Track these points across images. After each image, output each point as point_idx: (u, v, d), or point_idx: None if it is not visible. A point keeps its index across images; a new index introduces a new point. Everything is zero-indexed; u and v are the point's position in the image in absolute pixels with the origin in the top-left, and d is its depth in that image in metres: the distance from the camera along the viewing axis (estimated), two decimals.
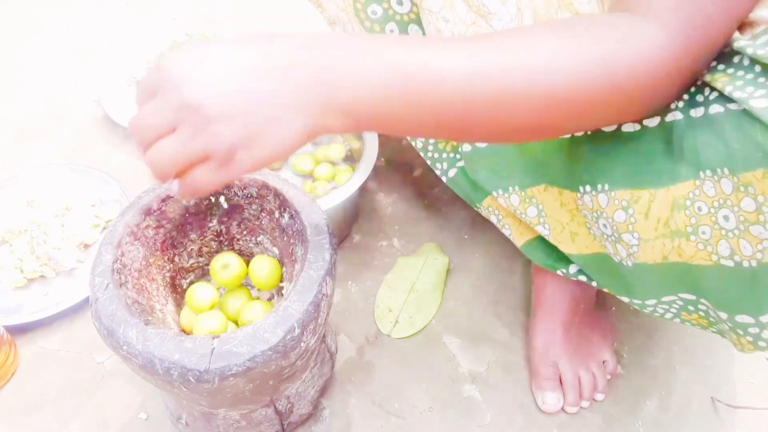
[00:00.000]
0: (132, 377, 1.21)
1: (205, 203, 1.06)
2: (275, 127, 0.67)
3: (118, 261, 0.94)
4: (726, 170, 0.74)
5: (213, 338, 0.84)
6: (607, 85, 0.73)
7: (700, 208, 0.79)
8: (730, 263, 0.80)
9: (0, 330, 1.20)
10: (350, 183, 1.26)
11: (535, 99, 0.72)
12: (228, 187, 1.05)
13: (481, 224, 1.45)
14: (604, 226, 0.92)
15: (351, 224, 1.48)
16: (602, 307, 1.30)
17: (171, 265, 1.08)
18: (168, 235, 1.05)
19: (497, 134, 0.80)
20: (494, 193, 1.10)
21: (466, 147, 1.12)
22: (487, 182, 1.11)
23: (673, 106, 0.80)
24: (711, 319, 0.93)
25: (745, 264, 0.79)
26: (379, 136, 1.36)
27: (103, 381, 1.22)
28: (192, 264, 1.12)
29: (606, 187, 0.88)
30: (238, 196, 1.06)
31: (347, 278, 1.39)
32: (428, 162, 1.26)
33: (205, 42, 0.71)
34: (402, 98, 0.70)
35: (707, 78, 0.77)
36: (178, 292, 1.10)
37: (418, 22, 1.11)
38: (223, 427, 1.06)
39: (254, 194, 1.05)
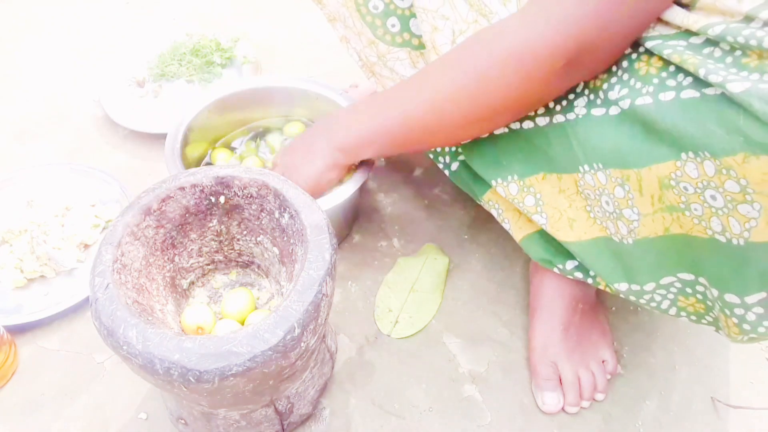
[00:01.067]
0: (132, 377, 1.21)
1: (205, 203, 1.06)
2: (307, 166, 1.22)
3: (118, 261, 0.94)
4: (707, 153, 0.76)
5: (213, 338, 0.84)
6: (473, 75, 0.96)
7: (686, 188, 0.81)
8: (722, 239, 0.82)
9: (0, 330, 1.20)
10: (350, 183, 1.26)
11: (441, 113, 1.03)
12: (228, 186, 1.05)
13: (481, 224, 1.45)
14: (606, 203, 0.95)
15: (351, 224, 1.48)
16: (601, 306, 1.30)
17: (171, 265, 1.08)
18: (168, 235, 1.05)
19: (439, 139, 1.12)
20: (493, 182, 1.13)
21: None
22: (486, 171, 1.14)
23: (643, 90, 0.84)
24: (708, 302, 0.94)
25: (734, 242, 0.80)
26: None
27: (103, 381, 1.22)
28: (192, 264, 1.12)
29: (601, 165, 0.92)
30: (238, 196, 1.06)
31: (347, 278, 1.39)
32: (431, 156, 1.27)
33: (289, 146, 1.29)
34: (375, 136, 1.14)
35: (674, 59, 0.80)
36: (178, 292, 1.10)
37: None
38: (223, 427, 1.06)
39: (254, 194, 1.05)
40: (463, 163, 1.23)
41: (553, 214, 1.07)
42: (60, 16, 2.16)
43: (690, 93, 0.77)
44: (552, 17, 0.87)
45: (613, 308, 1.35)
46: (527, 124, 1.04)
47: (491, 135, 1.10)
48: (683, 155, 0.79)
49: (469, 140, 1.13)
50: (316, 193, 1.22)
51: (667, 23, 0.86)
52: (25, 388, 1.22)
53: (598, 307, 1.27)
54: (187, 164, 1.36)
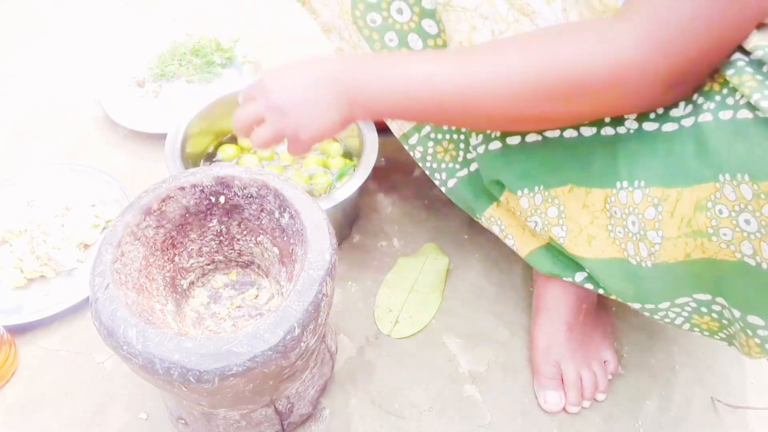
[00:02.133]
0: (132, 377, 1.21)
1: (205, 203, 1.06)
2: (319, 117, 1.02)
3: (118, 261, 0.94)
4: (746, 176, 0.75)
5: (213, 338, 0.84)
6: (563, 82, 0.86)
7: (720, 211, 0.81)
8: (752, 262, 0.81)
9: (0, 330, 1.20)
10: (350, 183, 1.26)
11: (500, 97, 0.91)
12: (228, 186, 1.05)
13: (481, 225, 1.45)
14: (633, 223, 0.94)
15: (351, 224, 1.48)
16: (602, 306, 1.29)
17: (171, 265, 1.08)
18: (168, 235, 1.05)
19: (477, 122, 1.05)
20: (519, 192, 1.10)
21: (495, 144, 1.12)
22: (514, 183, 1.11)
23: (705, 106, 0.82)
24: (723, 320, 0.94)
25: (764, 266, 0.79)
26: (379, 136, 1.36)
27: (103, 381, 1.22)
28: (192, 264, 1.12)
29: (643, 183, 0.91)
30: (238, 196, 1.06)
31: (347, 278, 1.39)
32: (427, 172, 1.26)
33: (287, 64, 1.05)
34: (402, 96, 0.97)
35: (734, 80, 0.78)
36: (178, 292, 1.10)
37: (418, 31, 1.11)
38: (223, 427, 1.06)
39: (254, 194, 1.05)
40: (461, 180, 1.22)
41: (574, 228, 1.06)
42: (60, 16, 2.16)
43: (745, 113, 0.76)
44: (660, 37, 0.80)
45: (614, 308, 1.35)
46: (569, 133, 1.02)
47: (522, 144, 1.08)
48: (720, 177, 0.79)
49: (518, 131, 1.07)
50: (320, 139, 1.07)
51: None
52: (25, 388, 1.22)
53: (600, 307, 1.27)
54: (188, 164, 1.36)
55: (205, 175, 1.04)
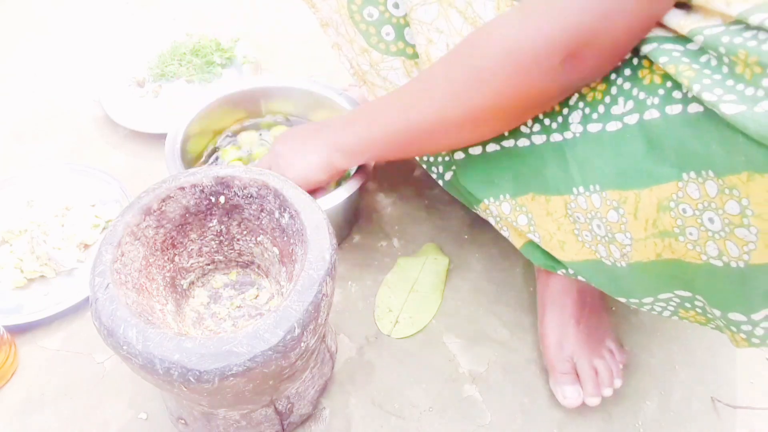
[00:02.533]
0: (132, 377, 1.21)
1: (205, 203, 1.06)
2: (301, 160, 1.20)
3: (118, 261, 0.94)
4: (711, 172, 0.75)
5: (213, 338, 0.84)
6: (466, 73, 0.93)
7: (684, 210, 0.80)
8: (719, 263, 0.81)
9: (0, 330, 1.20)
10: (350, 183, 1.26)
11: (442, 114, 0.99)
12: (228, 186, 1.05)
13: (481, 224, 1.45)
14: (598, 227, 0.94)
15: (351, 224, 1.48)
16: (602, 297, 1.28)
17: (171, 265, 1.08)
18: (168, 235, 1.05)
19: (434, 143, 1.08)
20: (486, 201, 1.12)
21: (459, 154, 1.15)
22: (478, 190, 1.13)
23: (649, 101, 0.81)
24: (708, 315, 0.93)
25: (733, 264, 0.79)
26: None
27: (103, 381, 1.22)
28: (192, 264, 1.12)
29: (598, 187, 0.90)
30: (238, 196, 1.06)
31: (347, 278, 1.39)
32: (424, 166, 1.26)
33: (286, 133, 1.29)
34: (374, 137, 1.11)
35: (670, 69, 0.78)
36: (178, 292, 1.10)
37: None
38: (223, 427, 1.06)
39: (254, 194, 1.05)
40: (457, 172, 1.22)
41: (544, 234, 1.07)
42: (60, 16, 2.16)
43: (695, 107, 0.75)
44: (549, 7, 0.83)
45: (614, 308, 1.35)
46: (522, 142, 1.03)
47: (484, 154, 1.10)
48: (684, 175, 0.78)
49: (471, 144, 1.09)
50: (306, 181, 1.21)
51: (663, 25, 0.83)
52: (25, 388, 1.22)
53: (600, 298, 1.27)
54: (188, 163, 1.36)
55: (205, 175, 1.04)
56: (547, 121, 0.99)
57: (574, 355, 1.20)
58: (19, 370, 1.24)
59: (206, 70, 1.82)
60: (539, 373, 1.25)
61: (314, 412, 1.18)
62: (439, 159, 1.23)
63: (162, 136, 1.41)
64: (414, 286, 1.37)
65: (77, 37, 2.07)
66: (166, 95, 1.78)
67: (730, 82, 0.72)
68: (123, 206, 1.44)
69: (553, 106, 0.97)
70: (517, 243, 1.17)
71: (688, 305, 0.96)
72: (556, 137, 0.97)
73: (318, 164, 1.19)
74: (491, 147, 1.08)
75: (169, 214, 1.04)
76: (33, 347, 1.27)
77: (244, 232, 1.11)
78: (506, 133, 1.04)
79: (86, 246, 1.41)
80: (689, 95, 0.76)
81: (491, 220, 1.19)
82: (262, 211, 1.06)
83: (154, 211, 1.01)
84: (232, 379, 0.83)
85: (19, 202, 1.45)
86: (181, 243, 1.08)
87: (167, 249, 1.06)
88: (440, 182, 1.25)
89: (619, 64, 0.88)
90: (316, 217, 0.98)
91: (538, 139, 1.00)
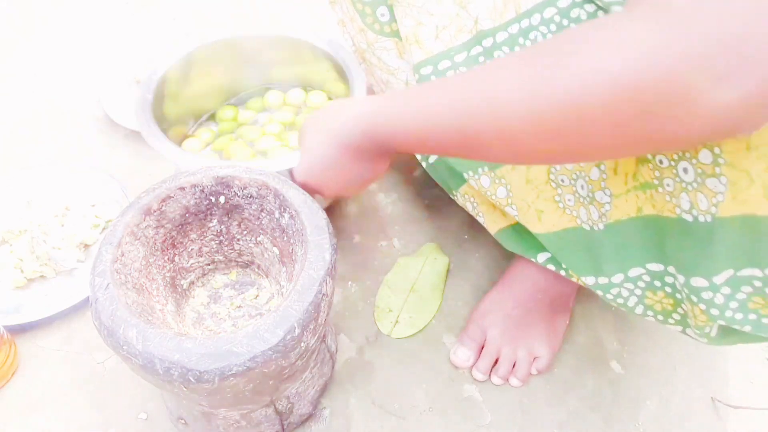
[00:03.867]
0: (132, 377, 1.21)
1: (205, 203, 1.06)
2: (335, 178, 1.01)
3: (118, 261, 0.94)
4: None
5: (213, 338, 0.84)
6: (572, 108, 0.64)
7: (661, 161, 0.80)
8: (689, 218, 0.81)
9: (0, 330, 1.20)
10: None
11: (504, 128, 0.72)
12: (228, 186, 1.05)
13: (481, 224, 1.45)
14: (582, 187, 0.94)
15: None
16: (564, 314, 1.29)
17: (171, 265, 1.08)
18: (168, 235, 1.05)
19: (491, 155, 0.80)
20: (465, 175, 1.12)
21: None
22: (458, 163, 1.13)
23: None
24: (677, 296, 0.93)
25: (701, 219, 0.79)
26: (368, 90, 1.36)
27: (104, 381, 1.22)
28: (192, 264, 1.12)
29: None
30: (239, 196, 1.06)
31: (347, 278, 1.39)
32: None
33: (314, 121, 1.02)
34: (408, 131, 0.85)
35: None
36: (178, 292, 1.10)
37: None
38: (223, 427, 1.06)
39: (254, 194, 1.05)
40: (440, 156, 1.22)
41: (522, 206, 1.07)
42: (60, 15, 2.16)
43: None
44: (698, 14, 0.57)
45: (614, 308, 1.35)
46: None
47: None
48: None
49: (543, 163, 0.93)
50: (350, 189, 1.05)
51: None
52: (25, 388, 1.22)
53: (560, 310, 1.29)
54: (167, 124, 1.36)
55: (205, 175, 1.04)
56: None
57: (489, 329, 1.25)
58: (19, 369, 1.24)
59: None
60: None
61: (314, 412, 1.18)
62: None
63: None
64: (414, 286, 1.37)
65: (77, 36, 2.07)
66: None
67: None
68: (123, 206, 1.44)
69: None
70: (492, 229, 1.18)
71: (657, 283, 0.95)
72: None
73: (354, 162, 0.98)
74: None
75: (169, 214, 1.04)
76: (33, 347, 1.27)
77: (244, 232, 1.11)
78: None
79: (86, 246, 1.41)
80: None
81: (468, 207, 1.20)
82: (262, 211, 1.06)
83: (154, 211, 1.02)
84: (232, 379, 0.83)
85: (19, 202, 1.45)
86: (181, 243, 1.08)
87: (167, 249, 1.06)
88: (423, 164, 1.25)
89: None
90: (317, 218, 0.98)
91: None
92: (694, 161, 0.76)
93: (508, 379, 1.24)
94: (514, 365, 1.24)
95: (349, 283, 1.39)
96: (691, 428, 1.19)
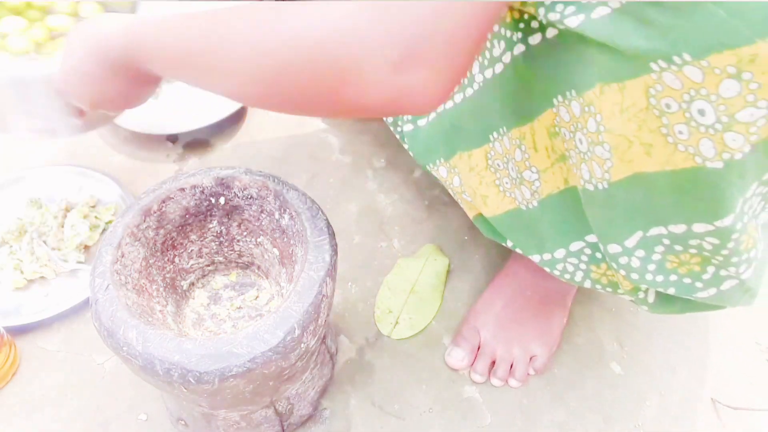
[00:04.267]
0: (132, 378, 1.21)
1: (205, 204, 1.06)
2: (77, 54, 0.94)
3: (118, 262, 0.94)
4: (573, 92, 0.77)
5: (213, 339, 0.84)
6: (282, 58, 0.71)
7: (565, 134, 0.83)
8: (591, 187, 0.84)
9: (0, 331, 1.20)
10: None
11: (230, 69, 0.78)
12: (228, 187, 1.05)
13: None
14: (512, 169, 0.98)
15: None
16: (561, 311, 1.29)
17: (171, 266, 1.08)
18: (168, 236, 1.05)
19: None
20: (428, 167, 1.15)
21: (408, 126, 1.17)
22: (421, 156, 1.16)
23: (515, 38, 0.83)
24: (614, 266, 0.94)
25: (600, 187, 0.82)
26: (379, 134, 1.36)
27: (104, 382, 1.22)
28: (192, 265, 1.12)
29: (504, 129, 0.95)
30: (239, 197, 1.06)
31: (347, 279, 1.39)
32: (391, 128, 1.27)
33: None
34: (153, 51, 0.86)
35: (516, 4, 0.79)
36: (178, 293, 1.10)
37: None
38: (223, 428, 1.06)
39: (254, 195, 1.05)
40: (408, 143, 1.24)
41: (471, 192, 1.09)
42: None
43: (552, 31, 0.77)
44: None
45: (613, 309, 1.35)
46: (448, 104, 1.05)
47: (429, 122, 1.13)
48: (555, 100, 0.81)
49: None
50: (108, 104, 1.00)
51: None
52: (25, 388, 1.22)
53: (555, 308, 1.29)
54: None
55: (205, 175, 1.04)
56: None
57: (482, 330, 1.26)
58: (19, 370, 1.24)
59: None
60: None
61: (314, 413, 1.18)
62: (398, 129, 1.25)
63: (162, 138, 1.41)
64: (414, 287, 1.37)
65: None
66: (166, 97, 1.78)
67: None
68: (123, 207, 1.44)
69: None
70: (470, 214, 1.18)
71: (599, 256, 0.96)
72: (468, 92, 0.99)
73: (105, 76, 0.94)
74: (432, 114, 1.11)
75: (169, 215, 1.04)
76: (33, 348, 1.27)
77: (244, 233, 1.11)
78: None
79: (86, 247, 1.41)
80: (544, 21, 0.77)
81: (451, 193, 1.21)
82: (262, 212, 1.06)
83: (154, 212, 1.02)
84: (232, 380, 0.83)
85: (19, 202, 1.45)
86: (181, 244, 1.08)
87: (167, 250, 1.06)
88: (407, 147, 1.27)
89: None
90: (317, 219, 0.98)
91: (458, 98, 1.02)
92: (585, 131, 0.79)
93: (507, 380, 1.24)
94: (512, 366, 1.24)
95: (349, 284, 1.38)
96: (691, 428, 1.19)
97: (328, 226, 0.98)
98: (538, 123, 0.87)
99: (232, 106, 1.56)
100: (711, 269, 0.87)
